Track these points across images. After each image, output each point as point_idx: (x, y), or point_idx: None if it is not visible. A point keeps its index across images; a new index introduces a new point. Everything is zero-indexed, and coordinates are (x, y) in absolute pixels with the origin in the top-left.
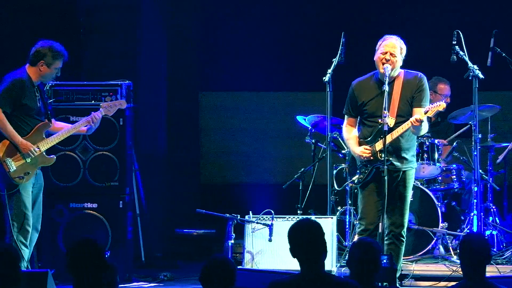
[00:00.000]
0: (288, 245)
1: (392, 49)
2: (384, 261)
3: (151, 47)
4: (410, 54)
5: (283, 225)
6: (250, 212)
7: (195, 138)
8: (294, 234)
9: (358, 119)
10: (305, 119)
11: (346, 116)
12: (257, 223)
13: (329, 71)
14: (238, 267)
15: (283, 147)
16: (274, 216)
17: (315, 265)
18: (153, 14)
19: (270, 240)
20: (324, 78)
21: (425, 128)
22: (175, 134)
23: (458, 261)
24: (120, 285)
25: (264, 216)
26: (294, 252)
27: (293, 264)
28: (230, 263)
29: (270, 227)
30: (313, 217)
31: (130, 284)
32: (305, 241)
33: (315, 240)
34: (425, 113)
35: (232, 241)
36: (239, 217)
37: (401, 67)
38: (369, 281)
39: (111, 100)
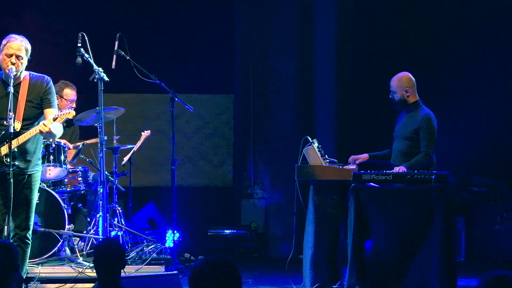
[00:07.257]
0: None
1: (18, 51)
2: None
3: None
4: (35, 55)
5: None
6: None
7: None
8: None
9: None
10: None
11: None
12: None
13: None
14: None
15: None
16: None
17: None
18: None
19: None
20: None
21: (59, 132)
22: None
23: (85, 262)
24: None
25: None
26: None
27: None
28: None
29: None
30: None
31: None
32: None
33: None
34: (54, 120)
35: None
36: None
37: (26, 69)
38: None
39: None
